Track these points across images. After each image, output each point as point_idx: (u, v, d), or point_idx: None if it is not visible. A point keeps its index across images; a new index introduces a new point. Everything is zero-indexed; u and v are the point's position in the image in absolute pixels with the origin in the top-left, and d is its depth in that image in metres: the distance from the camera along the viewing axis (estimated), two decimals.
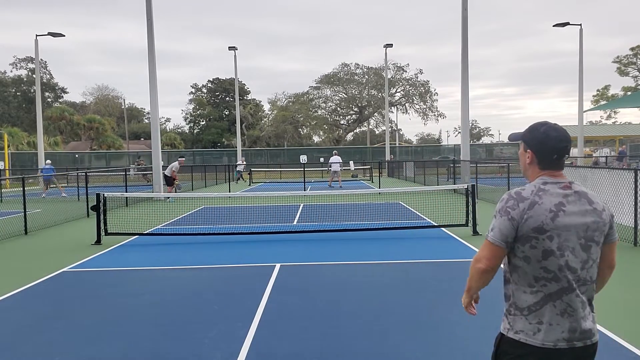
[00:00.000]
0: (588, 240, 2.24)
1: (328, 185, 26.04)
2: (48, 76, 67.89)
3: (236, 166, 35.56)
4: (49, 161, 26.08)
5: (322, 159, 40.20)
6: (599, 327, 5.09)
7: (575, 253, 2.21)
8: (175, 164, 20.58)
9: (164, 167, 20.97)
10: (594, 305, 2.33)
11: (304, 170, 26.72)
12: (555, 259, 2.20)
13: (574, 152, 31.36)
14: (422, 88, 67.13)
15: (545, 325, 2.22)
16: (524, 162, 2.37)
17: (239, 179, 34.94)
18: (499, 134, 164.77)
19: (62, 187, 23.91)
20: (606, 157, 37.66)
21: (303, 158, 35.41)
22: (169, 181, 20.30)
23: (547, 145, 2.27)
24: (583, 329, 2.24)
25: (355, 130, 74.43)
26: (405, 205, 16.31)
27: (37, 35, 30.96)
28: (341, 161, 26.57)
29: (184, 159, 22.68)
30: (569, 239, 2.21)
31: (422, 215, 13.80)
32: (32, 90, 62.54)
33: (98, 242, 10.58)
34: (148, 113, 60.77)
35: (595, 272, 2.30)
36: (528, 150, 2.34)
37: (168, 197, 18.82)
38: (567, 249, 2.20)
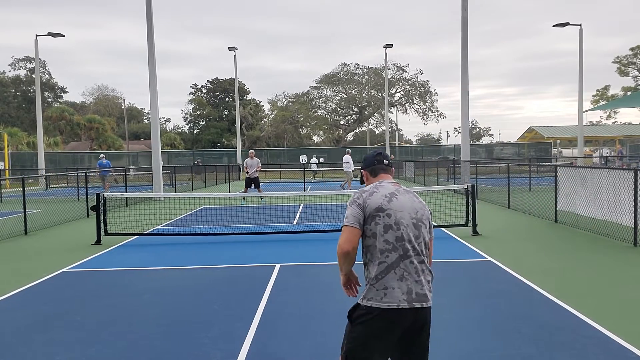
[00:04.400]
0: (418, 221, 2.93)
1: (346, 187, 22.72)
2: (47, 76, 67.89)
3: (312, 164, 37.82)
4: None
5: (321, 159, 40.24)
6: (598, 326, 5.12)
7: (409, 229, 2.87)
8: (247, 160, 18.79)
9: (164, 168, 20.72)
10: (431, 279, 2.92)
11: (304, 170, 26.71)
12: (393, 232, 2.84)
13: (574, 152, 31.39)
14: (422, 88, 67.10)
15: (389, 290, 2.79)
16: (366, 179, 3.20)
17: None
18: (499, 134, 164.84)
19: None
20: (606, 157, 37.73)
21: (303, 158, 35.46)
22: (255, 182, 18.64)
23: (368, 159, 3.20)
24: (418, 292, 2.82)
25: (355, 131, 74.41)
26: None
27: (37, 35, 31.00)
28: (350, 161, 23.72)
29: (253, 151, 19.85)
30: (403, 217, 2.87)
31: None
32: (31, 90, 62.57)
33: (98, 242, 10.58)
34: (148, 113, 60.81)
35: (425, 246, 2.92)
36: (363, 171, 3.22)
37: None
38: (402, 224, 2.86)
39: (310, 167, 37.39)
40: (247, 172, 18.69)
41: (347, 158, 23.30)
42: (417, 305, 2.81)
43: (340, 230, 2.96)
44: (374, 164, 3.15)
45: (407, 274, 2.80)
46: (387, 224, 2.83)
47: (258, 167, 18.61)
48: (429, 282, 2.90)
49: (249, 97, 72.15)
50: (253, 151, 19.98)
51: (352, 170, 23.52)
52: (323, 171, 40.24)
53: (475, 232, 10.70)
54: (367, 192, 2.96)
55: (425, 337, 2.95)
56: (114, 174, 29.85)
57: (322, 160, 38.35)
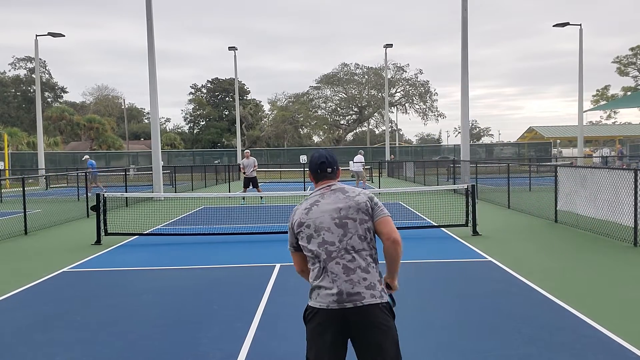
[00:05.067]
0: (342, 218, 2.90)
1: (360, 185, 22.95)
2: (47, 76, 67.87)
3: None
4: None
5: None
6: (598, 326, 5.11)
7: (331, 230, 2.89)
8: (243, 160, 18.72)
9: (164, 167, 20.67)
10: (370, 275, 2.86)
11: (304, 170, 26.69)
12: (315, 239, 2.91)
13: (574, 152, 31.43)
14: (422, 88, 67.08)
15: (322, 291, 2.87)
16: (312, 181, 3.17)
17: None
18: (499, 134, 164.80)
19: None
20: (606, 157, 37.74)
21: (303, 158, 35.43)
22: (253, 181, 18.57)
23: (311, 165, 3.13)
24: (350, 292, 2.81)
25: (355, 130, 74.39)
26: (405, 205, 16.30)
27: (37, 35, 31.00)
28: (363, 161, 23.93)
29: (248, 151, 19.83)
30: (323, 221, 2.90)
31: (422, 216, 13.80)
32: (31, 90, 62.56)
33: (98, 242, 10.58)
34: (148, 113, 60.78)
35: (357, 242, 2.88)
36: (309, 173, 3.19)
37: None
38: (322, 229, 2.90)
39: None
40: (244, 173, 18.74)
41: (360, 158, 23.83)
42: (349, 305, 2.81)
43: None
44: (317, 172, 3.11)
45: (335, 276, 2.85)
46: (309, 235, 2.93)
47: (255, 167, 18.61)
48: (365, 279, 2.84)
49: (249, 97, 72.16)
50: (248, 151, 19.95)
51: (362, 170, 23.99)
52: None
53: (475, 232, 10.70)
54: (294, 210, 3.09)
55: (376, 337, 2.82)
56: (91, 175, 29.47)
57: None
